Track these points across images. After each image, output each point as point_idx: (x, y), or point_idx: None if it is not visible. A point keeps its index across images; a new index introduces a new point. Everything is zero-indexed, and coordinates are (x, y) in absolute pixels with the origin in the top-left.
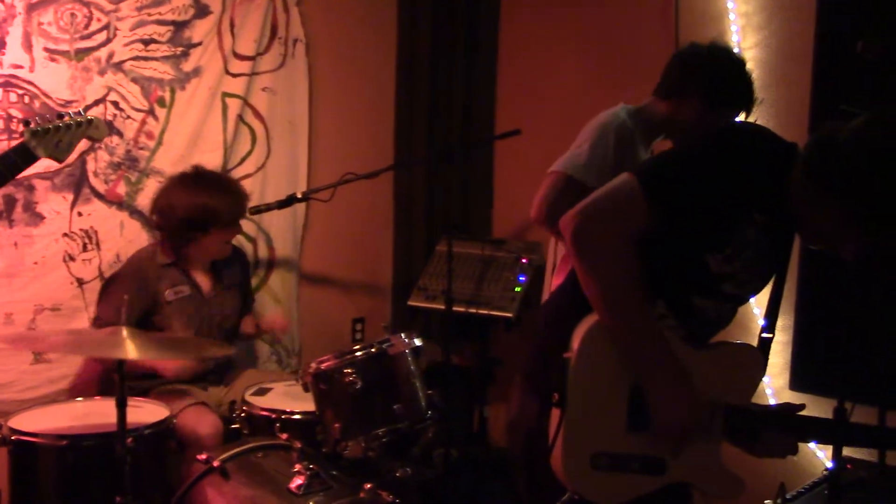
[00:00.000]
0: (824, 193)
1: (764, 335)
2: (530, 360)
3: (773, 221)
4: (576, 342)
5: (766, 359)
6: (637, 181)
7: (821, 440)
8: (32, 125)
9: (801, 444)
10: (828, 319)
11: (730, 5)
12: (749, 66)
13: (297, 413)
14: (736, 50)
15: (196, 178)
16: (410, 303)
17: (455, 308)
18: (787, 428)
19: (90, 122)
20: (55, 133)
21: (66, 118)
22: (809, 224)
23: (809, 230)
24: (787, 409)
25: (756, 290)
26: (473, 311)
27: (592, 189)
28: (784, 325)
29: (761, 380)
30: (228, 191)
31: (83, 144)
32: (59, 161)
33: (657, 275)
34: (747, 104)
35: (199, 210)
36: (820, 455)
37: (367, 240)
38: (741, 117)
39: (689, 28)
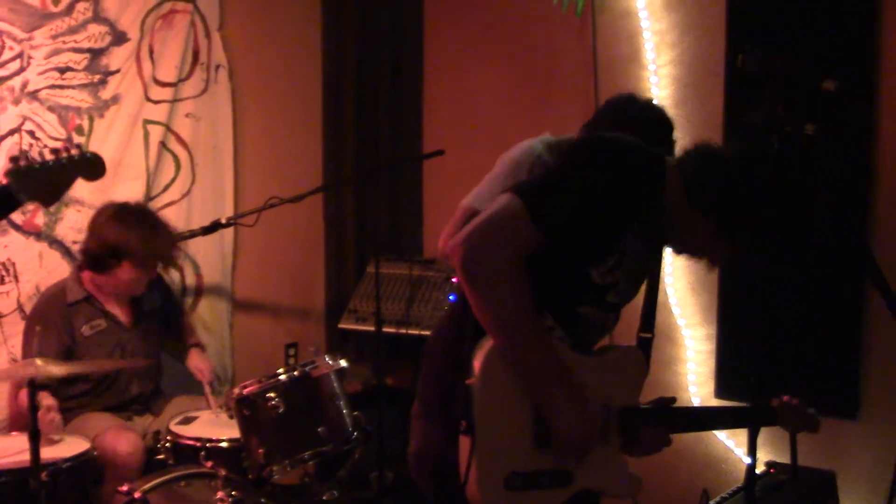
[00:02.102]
0: (699, 209)
1: (642, 335)
2: (428, 387)
3: (646, 229)
4: (477, 367)
5: (649, 357)
6: (520, 201)
7: (697, 427)
8: (21, 163)
9: (727, 451)
10: (749, 328)
11: (644, 24)
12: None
13: (224, 440)
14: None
15: (124, 211)
16: (341, 325)
17: (386, 329)
18: (679, 423)
19: (85, 158)
20: (42, 173)
21: (59, 155)
22: (680, 233)
23: (678, 239)
24: (663, 403)
25: (632, 296)
26: (404, 331)
27: None
28: (708, 334)
29: (645, 378)
30: (150, 227)
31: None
32: (47, 205)
33: (543, 287)
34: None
35: (117, 240)
36: (746, 461)
37: (299, 263)
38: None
39: (606, 47)
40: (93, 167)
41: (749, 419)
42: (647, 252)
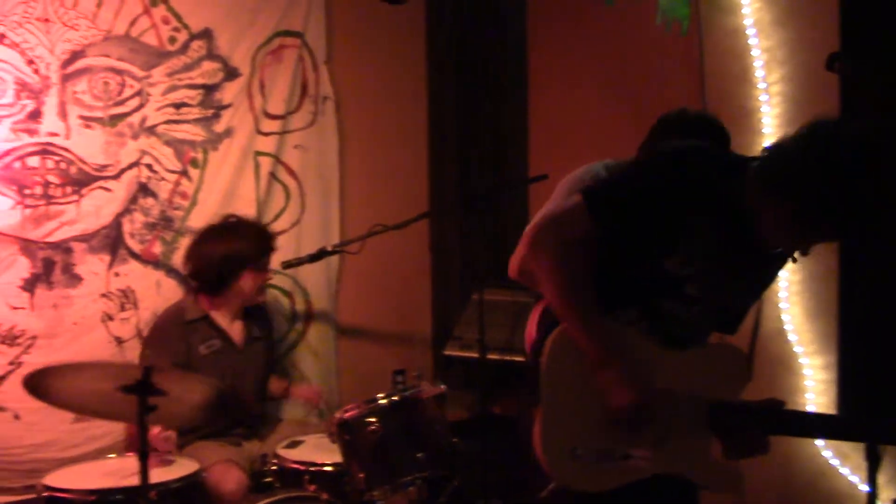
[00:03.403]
0: (773, 193)
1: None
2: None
3: (724, 224)
4: (547, 346)
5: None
6: (580, 196)
7: (805, 434)
8: None
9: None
10: (873, 355)
11: (752, 42)
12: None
13: (327, 465)
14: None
15: (225, 225)
16: (446, 352)
17: (490, 356)
18: (773, 423)
19: None
20: None
21: None
22: (763, 227)
23: (763, 234)
24: (770, 406)
25: (728, 297)
26: (508, 358)
27: None
28: (827, 362)
29: (746, 380)
30: (252, 230)
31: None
32: None
33: (625, 284)
34: None
35: (230, 252)
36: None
37: (405, 290)
38: None
39: (714, 66)
40: None
41: (862, 432)
42: (733, 249)
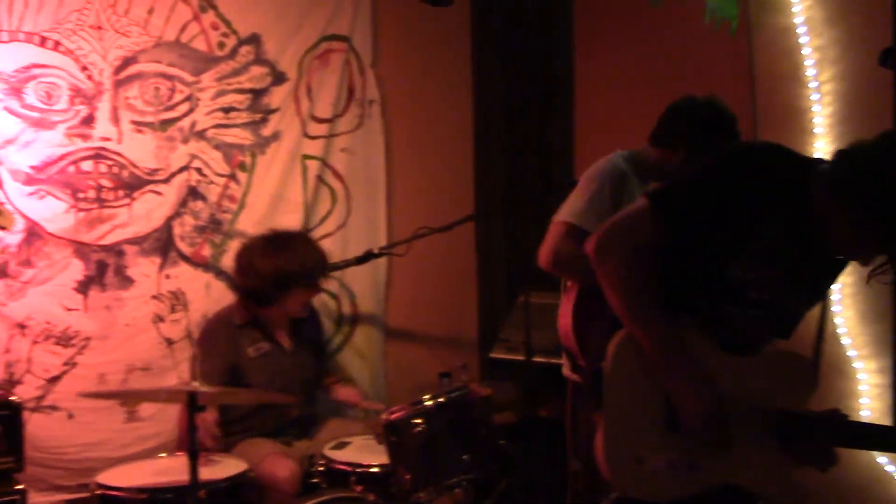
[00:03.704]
0: (841, 200)
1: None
2: (588, 380)
3: (792, 228)
4: (609, 351)
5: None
6: (647, 200)
7: (874, 447)
8: None
9: None
10: None
11: (803, 40)
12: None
13: (374, 466)
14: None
15: (277, 240)
16: (492, 355)
17: (536, 359)
18: (844, 436)
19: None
20: None
21: None
22: (828, 232)
23: (829, 239)
24: (834, 416)
25: (791, 300)
26: (555, 361)
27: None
28: (882, 366)
29: (812, 390)
30: (310, 251)
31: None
32: None
33: (688, 289)
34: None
35: (281, 271)
36: None
37: (451, 292)
38: None
39: (764, 66)
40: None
41: None
42: (797, 252)
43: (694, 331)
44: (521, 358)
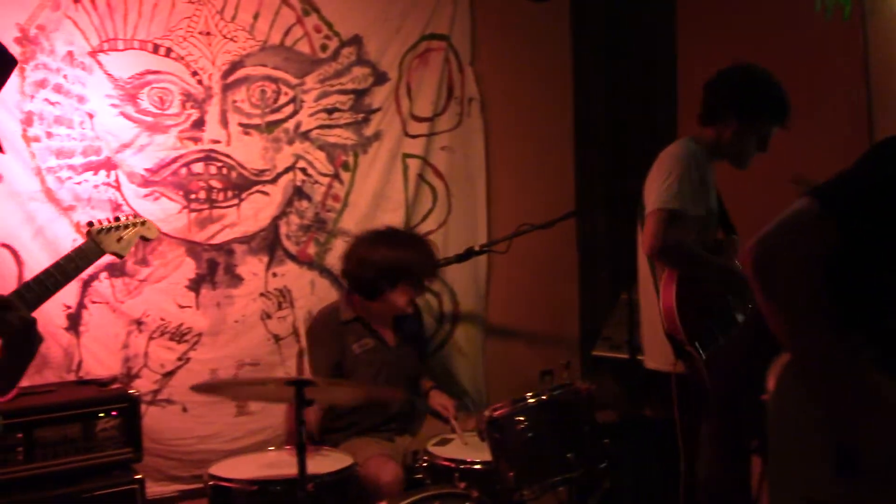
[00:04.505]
0: None
1: None
2: (717, 405)
3: None
4: (771, 382)
5: None
6: (817, 202)
7: None
8: (96, 225)
9: None
10: None
11: None
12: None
13: (477, 462)
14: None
15: (390, 235)
16: (595, 353)
17: (640, 357)
18: None
19: (144, 223)
20: (115, 231)
21: (123, 219)
22: None
23: None
24: None
25: None
26: None
27: (691, 215)
28: None
29: None
30: (421, 248)
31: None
32: (121, 256)
33: (851, 301)
34: (780, 115)
35: (394, 263)
36: None
37: (552, 289)
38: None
39: (878, 51)
40: (147, 229)
41: None
42: None
43: (870, 354)
44: (624, 356)
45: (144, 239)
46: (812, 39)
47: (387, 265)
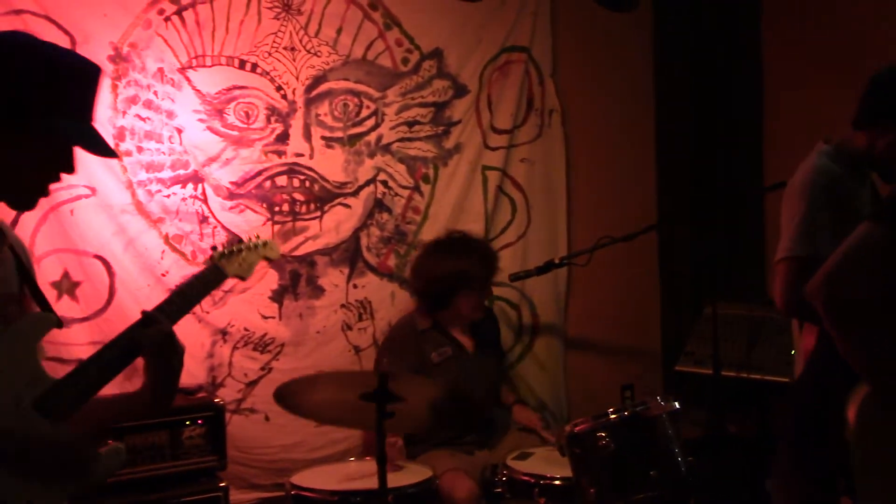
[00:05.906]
0: None
1: None
2: (796, 432)
3: None
4: (851, 418)
5: None
6: (879, 224)
7: None
8: (220, 249)
9: None
10: None
11: None
12: None
13: (557, 478)
14: None
15: (443, 244)
16: (678, 368)
17: (725, 373)
18: None
19: (266, 244)
20: (238, 254)
21: (246, 241)
22: None
23: None
24: None
25: None
26: (745, 375)
27: (826, 255)
28: None
29: None
30: (474, 253)
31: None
32: (243, 279)
33: None
34: None
35: (444, 275)
36: None
37: (634, 303)
38: None
39: None
40: (270, 250)
41: None
42: None
43: None
44: (708, 371)
45: (268, 259)
46: None
47: (442, 276)
